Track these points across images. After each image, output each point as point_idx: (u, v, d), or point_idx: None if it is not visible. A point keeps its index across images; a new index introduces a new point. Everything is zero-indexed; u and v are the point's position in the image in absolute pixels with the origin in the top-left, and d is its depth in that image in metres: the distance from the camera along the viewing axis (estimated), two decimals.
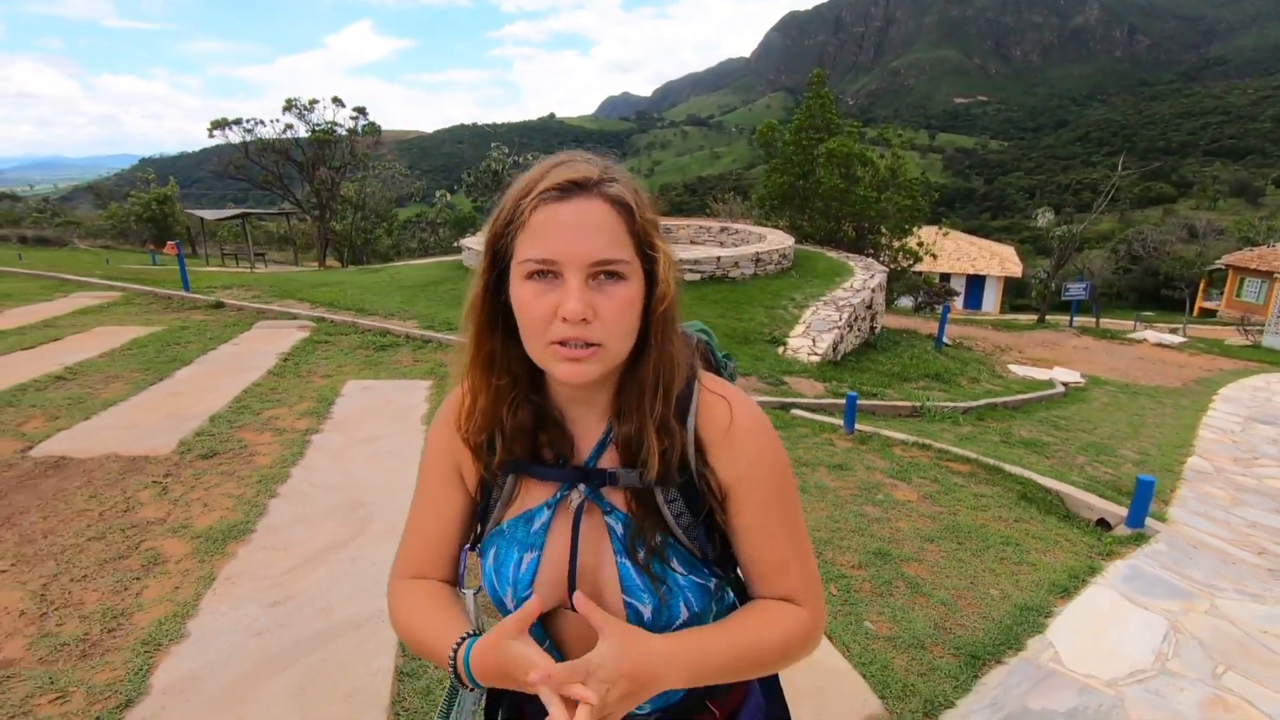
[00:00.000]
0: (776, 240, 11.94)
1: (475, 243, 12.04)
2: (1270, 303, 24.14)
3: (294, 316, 7.87)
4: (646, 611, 0.78)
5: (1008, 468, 4.47)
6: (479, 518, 0.88)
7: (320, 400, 4.89)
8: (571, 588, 0.78)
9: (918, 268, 18.00)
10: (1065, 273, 25.12)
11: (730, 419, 0.80)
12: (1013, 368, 10.52)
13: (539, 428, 0.81)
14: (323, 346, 6.61)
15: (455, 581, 0.90)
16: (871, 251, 15.25)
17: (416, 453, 3.97)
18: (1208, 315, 30.27)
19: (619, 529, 0.80)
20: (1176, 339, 16.91)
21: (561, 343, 0.71)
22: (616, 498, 0.80)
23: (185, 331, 6.91)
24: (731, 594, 0.87)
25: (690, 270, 9.78)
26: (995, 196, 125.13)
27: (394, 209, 28.51)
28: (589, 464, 0.81)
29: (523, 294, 0.72)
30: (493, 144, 27.63)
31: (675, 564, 0.79)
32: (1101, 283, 29.73)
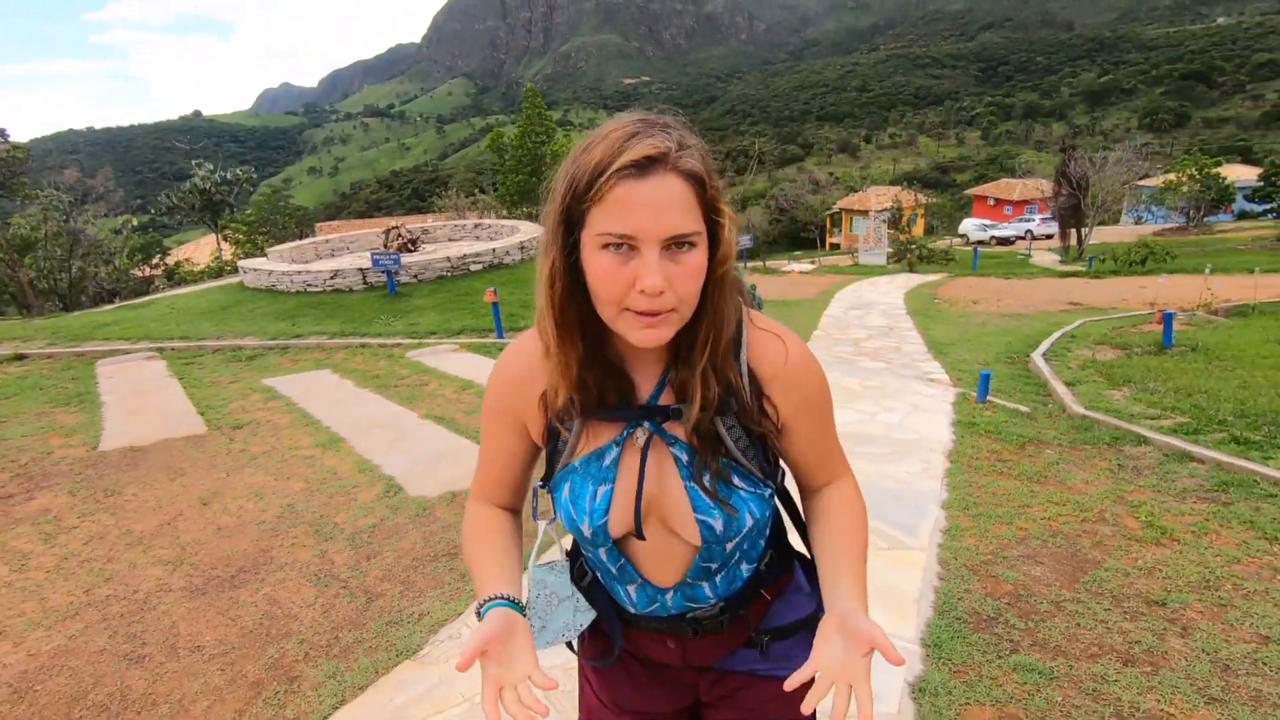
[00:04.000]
0: (530, 230, 14.53)
1: (258, 264, 12.63)
2: (871, 234, 33.53)
3: (127, 352, 8.42)
4: (718, 525, 0.87)
5: None
6: (548, 459, 0.95)
7: (266, 394, 6.34)
8: (638, 513, 0.88)
9: None
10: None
11: (785, 357, 0.89)
12: None
13: (605, 374, 0.87)
14: (192, 369, 7.61)
15: (518, 508, 1.04)
16: None
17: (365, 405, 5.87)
18: (835, 249, 40.28)
19: (684, 458, 0.88)
20: (810, 267, 23.43)
21: (638, 310, 0.76)
22: (678, 430, 0.88)
23: (29, 381, 7.28)
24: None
25: (473, 261, 11.94)
26: None
27: (113, 241, 24.80)
28: (651, 403, 0.89)
29: (600, 263, 0.75)
30: (195, 160, 25.46)
31: (737, 481, 0.88)
32: (762, 234, 37.62)
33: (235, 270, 15.07)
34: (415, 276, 11.36)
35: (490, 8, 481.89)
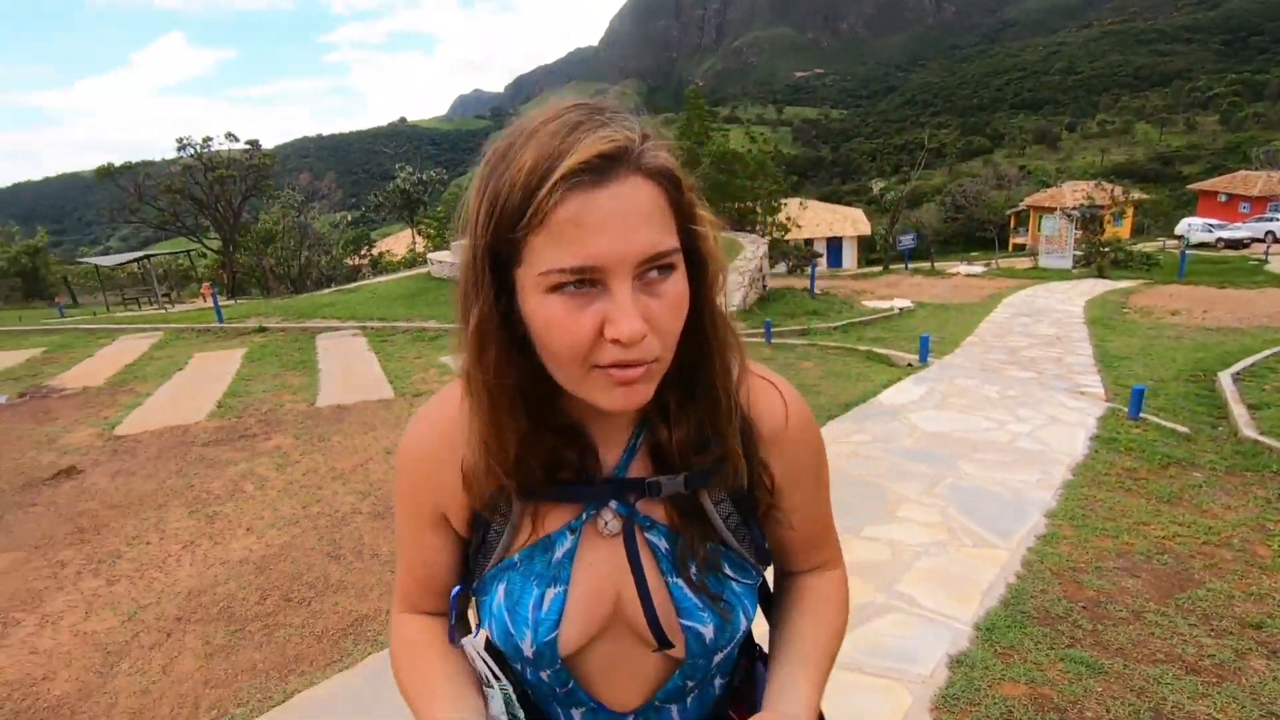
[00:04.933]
0: None
1: (442, 257, 14.37)
2: (1062, 234, 30.43)
3: (336, 329, 10.09)
4: (708, 632, 0.69)
5: (860, 346, 7.83)
6: (474, 554, 0.74)
7: (441, 370, 7.42)
8: (653, 622, 0.68)
9: (788, 237, 21.95)
10: (899, 228, 30.30)
11: (785, 413, 0.73)
12: (866, 303, 14.30)
13: (556, 446, 0.66)
14: (386, 346, 8.98)
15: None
16: (749, 228, 18.87)
17: None
18: (1020, 250, 36.94)
19: (664, 545, 0.69)
20: (980, 269, 21.85)
21: (609, 365, 0.56)
22: (655, 510, 0.69)
23: (266, 349, 9.01)
24: None
25: None
26: (842, 162, 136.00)
27: (331, 234, 29.42)
28: (619, 475, 0.69)
29: (551, 311, 0.55)
30: (398, 164, 29.05)
31: (728, 570, 0.71)
32: (933, 232, 35.51)
33: (425, 261, 17.17)
34: None
35: (664, 8, 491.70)
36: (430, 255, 15.05)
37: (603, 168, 0.53)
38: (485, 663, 0.74)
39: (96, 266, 26.80)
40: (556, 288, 0.55)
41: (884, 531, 3.32)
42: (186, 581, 3.20)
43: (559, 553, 0.69)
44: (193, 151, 25.22)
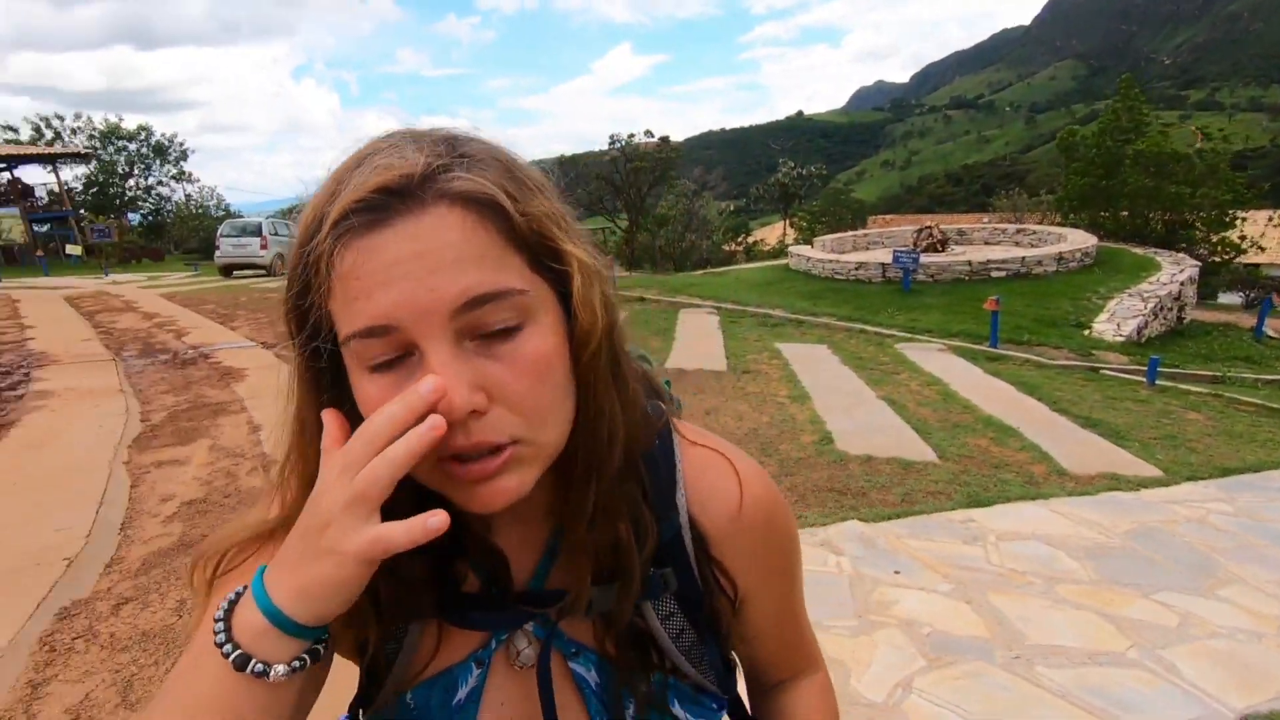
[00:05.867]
0: (1078, 240, 13.14)
1: (801, 250, 15.07)
2: None
3: (697, 305, 11.53)
4: None
5: None
6: (364, 683, 0.58)
7: (772, 354, 8.13)
8: None
9: (1249, 260, 17.14)
10: None
11: (739, 498, 0.57)
12: None
13: (451, 552, 0.53)
14: (733, 325, 10.02)
15: None
16: (1184, 246, 15.30)
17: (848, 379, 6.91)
18: None
19: (593, 678, 0.56)
20: None
21: (457, 457, 0.45)
22: (583, 631, 0.56)
23: (643, 315, 10.81)
24: None
25: (996, 268, 11.69)
26: None
27: (708, 223, 33.29)
28: (535, 585, 0.56)
29: (364, 395, 0.45)
30: (780, 159, 30.67)
31: (677, 709, 0.57)
32: None
33: (785, 253, 18.09)
34: (931, 276, 11.82)
35: None
36: (790, 248, 15.83)
37: (384, 204, 0.43)
38: None
39: None
40: (375, 366, 0.44)
41: (1184, 602, 2.91)
42: None
43: (461, 693, 0.55)
44: (619, 145, 30.27)
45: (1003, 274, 11.68)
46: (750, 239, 32.94)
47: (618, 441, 0.51)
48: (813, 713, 0.69)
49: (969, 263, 11.86)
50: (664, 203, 28.58)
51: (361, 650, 0.56)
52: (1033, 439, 5.03)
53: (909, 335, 9.08)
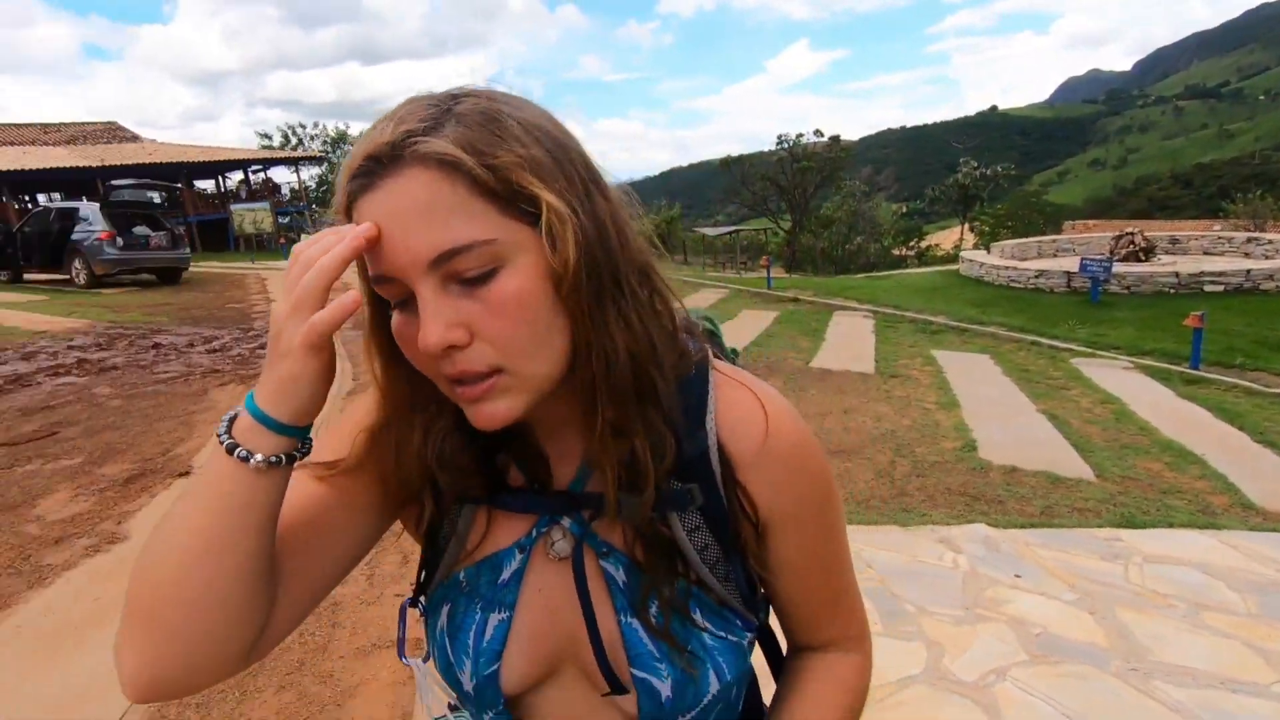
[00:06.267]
0: None
1: (973, 255, 14.15)
2: None
3: (853, 309, 11.28)
4: (665, 689, 0.59)
5: None
6: (425, 563, 0.67)
7: (926, 360, 7.84)
8: (603, 662, 0.59)
9: None
10: None
11: (765, 428, 0.60)
12: None
13: (498, 448, 0.61)
14: (889, 330, 9.71)
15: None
16: None
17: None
18: None
19: (621, 577, 0.60)
20: None
21: (458, 380, 0.52)
22: (614, 534, 0.60)
23: (795, 316, 10.79)
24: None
25: (1211, 281, 10.27)
26: None
27: (877, 226, 32.18)
28: (575, 488, 0.61)
29: (395, 328, 0.54)
30: (961, 159, 28.74)
31: (699, 618, 0.60)
32: None
33: (957, 259, 16.98)
34: (1127, 288, 10.64)
35: None
36: (962, 253, 14.88)
37: (371, 169, 0.50)
38: (442, 689, 0.68)
39: (703, 235, 34.79)
40: (396, 303, 0.53)
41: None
42: None
43: (506, 574, 0.62)
44: (787, 145, 29.98)
45: (1219, 287, 10.23)
46: (923, 243, 31.07)
47: (618, 367, 0.54)
48: (827, 691, 0.67)
49: (1176, 274, 10.52)
50: (829, 204, 27.84)
51: (427, 529, 0.65)
52: (1219, 468, 4.52)
53: (1089, 351, 8.30)
